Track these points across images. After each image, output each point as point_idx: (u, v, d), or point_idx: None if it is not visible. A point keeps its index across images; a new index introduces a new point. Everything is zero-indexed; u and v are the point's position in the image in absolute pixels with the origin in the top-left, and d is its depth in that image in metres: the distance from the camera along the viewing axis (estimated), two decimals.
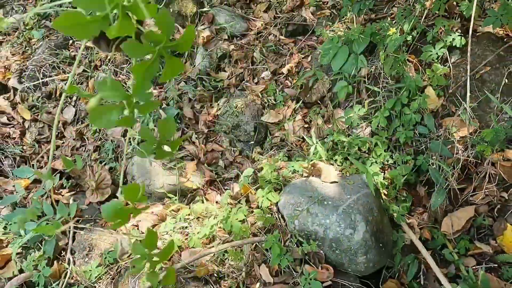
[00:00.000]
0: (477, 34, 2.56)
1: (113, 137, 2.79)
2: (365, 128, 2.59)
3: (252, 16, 3.52)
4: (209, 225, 1.95)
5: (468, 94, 2.20)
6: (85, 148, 2.76)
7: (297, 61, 3.11)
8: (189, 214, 2.19)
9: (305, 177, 2.18)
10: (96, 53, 3.29)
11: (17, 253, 2.15)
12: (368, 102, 2.64)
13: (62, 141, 2.84)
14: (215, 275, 1.84)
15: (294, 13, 3.48)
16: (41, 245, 2.18)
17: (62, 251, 2.20)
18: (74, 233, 2.27)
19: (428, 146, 2.45)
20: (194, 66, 3.20)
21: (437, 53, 2.47)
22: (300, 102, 2.87)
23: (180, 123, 2.89)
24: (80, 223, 2.35)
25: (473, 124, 2.21)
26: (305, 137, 2.34)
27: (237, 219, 1.94)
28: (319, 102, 2.91)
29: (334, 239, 1.87)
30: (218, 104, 3.00)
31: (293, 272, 1.88)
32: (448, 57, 2.50)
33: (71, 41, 3.41)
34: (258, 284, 1.84)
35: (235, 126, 2.78)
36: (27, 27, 3.65)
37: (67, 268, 2.06)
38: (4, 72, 3.15)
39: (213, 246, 1.86)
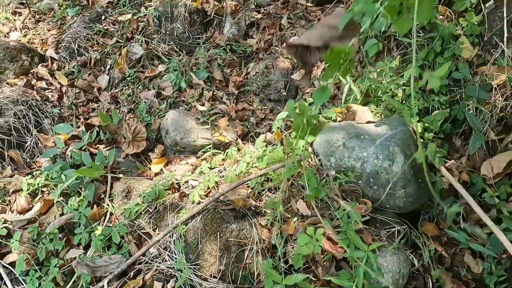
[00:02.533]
0: None
1: (146, 98, 2.86)
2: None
3: None
4: (244, 161, 1.96)
5: (506, 34, 2.16)
6: (120, 110, 2.83)
7: None
8: (223, 160, 2.21)
9: (339, 121, 2.18)
10: (128, 26, 3.39)
11: (58, 201, 2.22)
12: (399, 56, 2.62)
13: (97, 105, 2.92)
14: (253, 208, 1.85)
15: None
16: (81, 191, 2.24)
17: (101, 197, 2.26)
18: (112, 183, 2.32)
19: (463, 96, 2.40)
20: (223, 34, 3.26)
21: (470, 1, 2.43)
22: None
23: (211, 86, 2.93)
24: (117, 173, 2.41)
25: None
26: (340, 77, 2.34)
27: (271, 155, 1.95)
28: None
29: (372, 173, 1.85)
30: (247, 67, 3.03)
31: (330, 206, 1.87)
32: (482, 5, 2.46)
33: (103, 16, 3.52)
34: (295, 218, 1.84)
35: (265, 85, 2.80)
36: (61, 7, 3.80)
37: (107, 210, 2.11)
38: (42, 44, 3.29)
39: (248, 179, 1.87)
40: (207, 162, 2.22)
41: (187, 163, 2.37)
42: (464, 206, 2.15)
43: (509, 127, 2.35)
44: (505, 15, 2.22)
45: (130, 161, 2.49)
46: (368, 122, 2.04)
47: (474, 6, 2.47)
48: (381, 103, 2.24)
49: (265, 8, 3.42)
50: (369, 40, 2.77)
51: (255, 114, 2.74)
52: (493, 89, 2.26)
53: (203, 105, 2.75)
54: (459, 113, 2.35)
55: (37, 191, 2.31)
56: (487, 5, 2.47)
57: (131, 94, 2.94)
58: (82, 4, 3.75)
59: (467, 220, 2.17)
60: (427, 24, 2.52)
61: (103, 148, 2.51)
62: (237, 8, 3.37)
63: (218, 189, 1.94)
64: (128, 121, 2.53)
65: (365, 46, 2.79)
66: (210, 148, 2.33)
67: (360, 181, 1.89)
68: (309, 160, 1.98)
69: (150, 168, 2.41)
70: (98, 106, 2.90)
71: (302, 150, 1.97)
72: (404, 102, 2.44)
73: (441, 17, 2.56)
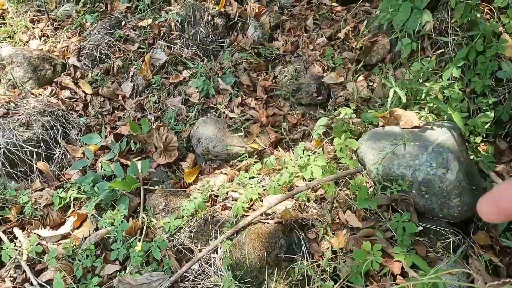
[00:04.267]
0: None
1: (173, 105, 2.79)
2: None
3: None
4: (288, 172, 1.88)
5: None
6: (147, 118, 2.76)
7: (353, 25, 3.03)
8: (260, 169, 2.13)
9: (380, 126, 2.09)
10: (149, 31, 3.32)
11: (92, 213, 2.16)
12: (436, 56, 2.53)
13: (123, 113, 2.86)
14: (299, 221, 1.77)
15: None
16: (115, 204, 2.18)
17: (136, 210, 2.19)
18: (145, 194, 2.26)
19: (507, 96, 2.30)
20: (247, 37, 3.18)
21: None
22: (361, 63, 2.78)
23: (238, 91, 2.85)
24: (149, 185, 2.34)
25: None
26: (383, 81, 2.25)
27: (317, 165, 1.87)
28: (379, 63, 2.81)
29: (425, 181, 1.76)
30: (274, 71, 2.95)
31: (381, 217, 1.78)
32: None
33: (123, 22, 3.46)
34: (345, 230, 1.75)
35: (295, 89, 2.71)
36: (79, 14, 3.74)
37: (143, 224, 2.04)
38: (63, 52, 3.23)
39: (298, 191, 1.78)
40: (244, 171, 2.14)
41: (222, 172, 2.29)
42: None
43: None
44: None
45: (162, 171, 2.42)
46: (415, 127, 1.95)
47: None
48: (425, 106, 2.14)
49: (289, 9, 3.34)
50: (403, 40, 2.67)
51: (287, 119, 2.65)
52: None
53: (232, 111, 2.67)
54: (503, 114, 2.26)
55: (69, 205, 2.24)
56: None
57: (157, 101, 2.87)
58: (101, 10, 3.69)
59: None
60: (465, 21, 2.43)
61: (134, 158, 2.44)
62: (261, 10, 3.29)
63: (261, 201, 1.86)
64: (158, 130, 2.46)
65: (397, 46, 2.70)
66: (245, 156, 2.25)
67: (410, 190, 1.80)
68: (355, 168, 1.90)
69: (183, 178, 2.34)
70: (124, 115, 2.83)
71: (348, 158, 1.88)
72: (445, 104, 2.35)
73: (478, 15, 2.47)
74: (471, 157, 2.05)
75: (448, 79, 2.38)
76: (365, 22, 3.07)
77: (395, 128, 1.99)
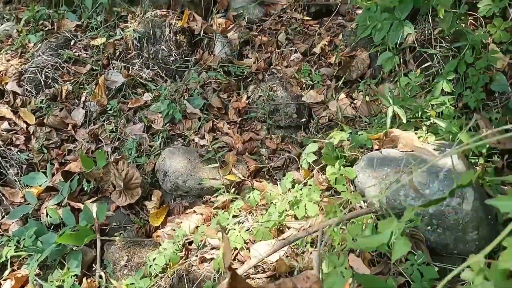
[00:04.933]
0: None
1: (133, 134, 2.42)
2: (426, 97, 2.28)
3: (269, 1, 3.25)
4: (278, 211, 1.57)
5: None
6: (102, 151, 2.37)
7: (328, 40, 2.82)
8: (241, 207, 1.81)
9: (376, 150, 1.84)
10: (103, 51, 2.95)
11: (35, 274, 1.73)
12: (421, 70, 2.35)
13: (74, 145, 2.45)
14: (297, 271, 1.46)
15: None
16: (64, 261, 1.76)
17: (91, 267, 1.79)
18: (102, 246, 1.86)
19: (500, 110, 2.14)
20: (214, 55, 2.88)
21: (497, 6, 2.20)
22: (342, 80, 2.56)
23: (208, 114, 2.54)
24: (107, 233, 1.95)
25: None
26: (380, 97, 2.01)
27: (311, 201, 1.57)
28: (359, 79, 2.60)
29: (437, 213, 1.51)
30: (246, 91, 2.67)
31: (389, 260, 1.50)
32: (509, 10, 2.23)
33: (73, 41, 3.06)
34: (350, 279, 1.46)
35: (273, 111, 2.44)
36: (21, 34, 3.30)
37: (101, 285, 1.65)
38: (1, 77, 2.78)
39: (289, 235, 1.47)
40: (222, 210, 1.81)
41: (195, 212, 1.94)
42: None
43: None
44: None
45: (122, 214, 2.04)
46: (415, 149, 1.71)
47: (500, 10, 2.25)
48: (422, 125, 1.92)
49: (259, 24, 3.09)
50: (383, 54, 2.49)
51: (265, 144, 2.36)
52: None
53: (203, 138, 2.34)
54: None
55: (5, 264, 1.80)
56: None
57: (115, 130, 2.49)
58: (46, 29, 3.28)
59: None
60: (451, 32, 2.27)
61: (88, 200, 2.04)
62: (228, 25, 3.02)
63: (248, 249, 1.53)
64: (116, 165, 2.08)
65: (378, 60, 2.51)
66: (223, 191, 1.92)
67: (421, 224, 1.54)
68: (354, 202, 1.62)
69: (148, 221, 1.97)
70: (75, 147, 2.42)
71: (348, 191, 1.61)
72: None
73: (464, 25, 2.32)
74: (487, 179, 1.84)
75: (439, 94, 2.20)
76: (341, 36, 2.88)
77: (394, 151, 1.74)
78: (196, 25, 2.91)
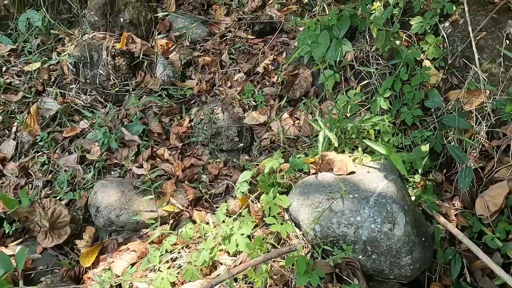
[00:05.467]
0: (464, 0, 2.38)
1: (66, 166, 2.28)
2: (364, 116, 2.28)
3: (213, 20, 3.20)
4: (208, 248, 1.49)
5: (477, 56, 1.96)
6: (32, 185, 2.22)
7: (271, 58, 2.80)
8: (175, 243, 1.71)
9: (312, 174, 1.80)
10: (37, 77, 2.79)
11: None
12: (361, 87, 2.35)
13: (1, 181, 2.27)
14: None
15: (258, 13, 3.19)
16: None
17: None
18: None
19: (437, 125, 2.17)
20: (156, 77, 2.79)
21: (428, 23, 2.24)
22: (284, 99, 2.53)
23: (148, 141, 2.43)
24: (33, 278, 1.80)
25: (489, 87, 1.96)
26: (311, 122, 1.97)
27: (243, 234, 1.50)
28: (303, 98, 2.58)
29: (370, 240, 1.47)
30: (189, 114, 2.59)
31: None
32: (439, 27, 2.28)
33: (4, 67, 2.89)
34: None
35: (214, 134, 2.36)
36: None
37: None
38: None
39: (218, 275, 1.39)
40: (157, 245, 1.71)
41: (129, 249, 1.83)
42: (466, 255, 1.87)
43: (487, 153, 2.15)
44: (471, 34, 2.04)
45: (50, 255, 1.89)
46: (351, 173, 1.69)
47: (432, 28, 2.29)
48: (356, 148, 1.90)
49: (202, 44, 3.03)
50: (325, 71, 2.48)
51: (207, 170, 2.28)
52: (474, 110, 2.05)
53: (141, 166, 2.23)
54: (436, 146, 2.11)
55: None
56: (443, 26, 2.30)
57: (47, 162, 2.34)
58: None
59: (471, 269, 1.89)
60: (386, 50, 2.29)
61: (12, 243, 1.88)
62: (169, 46, 2.94)
63: None
64: (42, 203, 1.94)
65: (320, 78, 2.50)
66: (156, 225, 1.82)
67: (354, 251, 1.50)
68: (288, 231, 1.56)
69: (78, 262, 1.83)
70: (3, 184, 2.25)
71: (279, 221, 1.55)
72: (376, 140, 2.15)
73: (398, 42, 2.35)
74: (412, 198, 1.83)
75: (377, 112, 2.20)
76: (284, 54, 2.86)
77: (329, 175, 1.70)
78: (136, 47, 2.81)
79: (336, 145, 1.76)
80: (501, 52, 2.11)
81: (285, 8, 3.13)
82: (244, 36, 3.05)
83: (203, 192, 2.08)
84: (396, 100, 2.24)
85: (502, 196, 1.88)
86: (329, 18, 2.50)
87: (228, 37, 3.07)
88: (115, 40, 2.83)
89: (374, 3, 2.28)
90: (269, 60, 2.78)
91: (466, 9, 2.03)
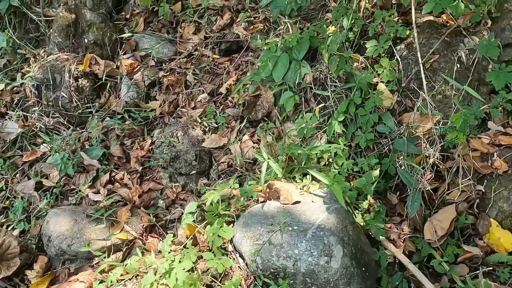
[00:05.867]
0: (418, 24, 2.42)
1: (23, 192, 2.27)
2: (321, 138, 2.30)
3: (180, 39, 3.21)
4: (147, 284, 1.49)
5: (425, 82, 1.99)
6: None
7: (235, 78, 2.81)
8: (123, 274, 1.71)
9: (261, 202, 1.81)
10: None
11: None
12: (319, 110, 2.38)
13: None
14: None
15: (225, 31, 3.21)
16: None
17: None
18: None
19: (391, 147, 2.20)
20: (120, 98, 2.80)
21: (382, 47, 2.27)
22: (245, 121, 2.54)
23: (108, 164, 2.43)
24: None
25: (436, 113, 1.99)
26: (255, 154, 1.99)
27: (183, 269, 1.51)
28: (265, 118, 2.60)
29: (308, 273, 1.49)
30: (151, 136, 2.59)
31: None
32: (394, 50, 2.32)
33: None
34: None
35: (173, 158, 2.37)
36: None
37: None
38: None
39: None
40: (101, 281, 1.71)
41: (78, 280, 1.82)
42: (414, 279, 1.89)
43: (441, 174, 2.18)
44: (420, 60, 2.07)
45: (0, 286, 1.88)
46: (296, 202, 1.70)
47: (386, 51, 2.32)
48: (306, 174, 1.92)
49: (168, 63, 3.04)
50: (285, 93, 2.51)
51: (165, 194, 2.28)
52: (422, 135, 2.08)
53: (98, 192, 2.23)
54: (390, 168, 2.13)
55: None
56: (398, 48, 2.34)
57: (4, 188, 2.33)
58: None
59: None
60: (342, 73, 2.31)
61: None
62: (135, 66, 2.94)
63: None
64: None
65: (280, 100, 2.52)
66: (104, 256, 1.82)
67: (295, 284, 1.52)
68: (231, 262, 1.57)
69: None
70: None
71: (220, 253, 1.56)
72: (330, 163, 2.17)
73: (356, 64, 2.38)
74: (362, 223, 1.85)
75: (333, 135, 2.23)
76: (248, 74, 2.88)
77: (275, 205, 1.72)
78: (99, 69, 2.81)
79: (280, 175, 1.78)
80: (453, 74, 2.15)
81: (252, 27, 3.15)
82: (210, 55, 3.06)
83: (157, 220, 2.08)
84: (352, 123, 2.27)
85: (449, 220, 1.91)
86: (289, 39, 2.53)
87: (194, 56, 3.08)
88: (78, 62, 2.83)
89: (330, 27, 2.31)
90: (233, 81, 2.79)
91: (415, 35, 2.06)
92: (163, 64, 3.04)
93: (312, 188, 1.81)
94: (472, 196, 2.03)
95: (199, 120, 2.51)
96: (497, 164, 2.04)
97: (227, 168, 2.32)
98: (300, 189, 1.83)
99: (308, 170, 1.81)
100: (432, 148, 2.02)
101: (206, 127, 2.51)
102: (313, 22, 2.96)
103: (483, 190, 2.05)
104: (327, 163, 2.19)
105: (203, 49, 3.12)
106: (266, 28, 3.13)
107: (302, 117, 2.35)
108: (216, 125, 2.55)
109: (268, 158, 1.77)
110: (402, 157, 2.06)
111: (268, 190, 1.80)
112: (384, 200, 2.20)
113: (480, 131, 2.10)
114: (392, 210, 2.16)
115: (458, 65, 2.18)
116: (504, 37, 2.18)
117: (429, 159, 2.03)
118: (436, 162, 2.12)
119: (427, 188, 2.06)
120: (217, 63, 3.01)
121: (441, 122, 2.06)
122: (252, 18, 3.23)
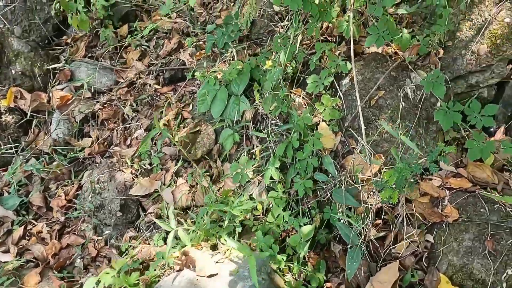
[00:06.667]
0: (364, 55, 2.24)
1: None
2: (258, 184, 2.10)
3: (123, 66, 2.99)
4: None
5: (363, 127, 1.80)
6: None
7: (175, 112, 2.60)
8: None
9: (177, 271, 1.60)
10: None
11: None
12: (260, 150, 2.18)
13: None
14: None
15: (172, 57, 3.00)
16: None
17: None
18: None
19: (331, 197, 2.01)
20: (50, 135, 2.56)
21: (323, 83, 2.09)
22: (181, 161, 2.33)
23: (27, 215, 2.19)
24: None
25: (375, 162, 1.81)
26: (158, 222, 1.74)
27: None
28: (206, 157, 2.39)
29: None
30: (79, 180, 2.36)
31: None
32: (337, 86, 2.13)
33: None
34: None
35: (98, 207, 2.14)
36: None
37: None
38: None
39: None
40: None
41: None
42: None
43: (388, 223, 2.00)
44: (358, 102, 1.88)
45: None
46: (211, 275, 1.49)
47: (328, 87, 2.14)
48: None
49: (106, 94, 2.81)
50: (224, 131, 2.30)
51: (87, 249, 2.05)
52: (359, 187, 1.89)
53: (7, 251, 1.99)
54: (331, 218, 1.94)
55: None
56: (343, 83, 2.15)
57: None
58: None
59: None
60: (277, 112, 2.11)
61: None
62: (67, 99, 2.70)
63: None
64: None
65: (220, 138, 2.32)
66: None
67: None
68: None
69: None
70: None
71: None
72: (264, 214, 1.97)
73: (298, 100, 2.18)
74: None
75: (271, 181, 2.03)
76: (191, 107, 2.67)
77: (188, 277, 1.50)
78: (25, 104, 2.57)
79: (189, 245, 1.57)
80: (399, 112, 1.97)
81: (198, 53, 2.94)
82: (152, 84, 2.84)
83: (71, 284, 1.85)
84: (292, 166, 2.07)
85: (391, 283, 1.72)
86: (229, 72, 2.33)
87: (136, 85, 2.86)
88: (2, 96, 2.58)
89: (267, 61, 2.11)
90: (173, 114, 2.58)
91: (354, 73, 1.87)
92: (101, 95, 2.81)
93: (234, 254, 1.60)
94: (420, 249, 1.85)
95: (129, 163, 2.29)
96: (447, 210, 1.86)
97: (156, 218, 2.10)
98: (224, 253, 1.62)
99: (225, 238, 1.59)
100: (373, 198, 1.84)
101: (138, 170, 2.29)
102: (263, 47, 2.77)
103: (432, 241, 1.87)
104: (263, 213, 1.99)
105: (146, 77, 2.90)
106: (213, 55, 2.93)
107: (238, 161, 2.15)
108: (150, 167, 2.33)
109: (176, 226, 1.55)
110: (341, 209, 1.87)
111: (183, 257, 1.59)
112: (327, 252, 2.01)
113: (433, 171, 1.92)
114: (335, 264, 1.97)
115: (404, 103, 2.01)
116: (456, 68, 2.01)
117: (370, 210, 1.85)
118: (384, 209, 1.95)
119: (372, 239, 1.88)
120: (158, 93, 2.79)
121: (383, 170, 1.88)
122: (200, 43, 3.02)
